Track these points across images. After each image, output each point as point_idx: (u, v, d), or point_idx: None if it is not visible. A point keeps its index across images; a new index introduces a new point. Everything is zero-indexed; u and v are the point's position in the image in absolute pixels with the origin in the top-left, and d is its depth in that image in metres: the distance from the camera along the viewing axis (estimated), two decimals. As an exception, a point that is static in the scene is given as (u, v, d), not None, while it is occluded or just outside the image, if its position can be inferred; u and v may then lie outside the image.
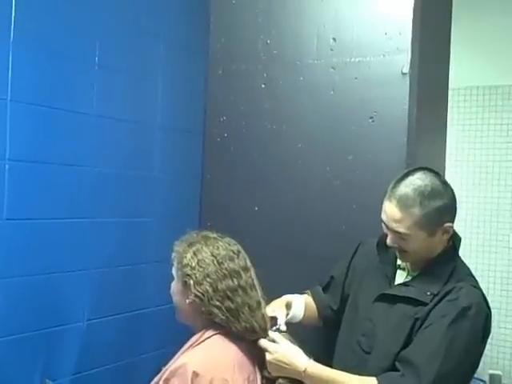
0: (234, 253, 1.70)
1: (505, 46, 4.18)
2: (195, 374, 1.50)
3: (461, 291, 1.72)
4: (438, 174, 1.80)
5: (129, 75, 2.56)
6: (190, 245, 1.69)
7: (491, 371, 3.85)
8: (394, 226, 1.75)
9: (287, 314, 1.95)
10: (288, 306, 1.99)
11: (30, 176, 2.16)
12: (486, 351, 1.80)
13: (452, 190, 1.78)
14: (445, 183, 1.77)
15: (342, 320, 1.99)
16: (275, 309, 1.88)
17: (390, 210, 1.75)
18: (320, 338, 2.13)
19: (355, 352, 1.85)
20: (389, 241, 1.80)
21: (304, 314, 2.04)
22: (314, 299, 2.13)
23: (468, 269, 1.85)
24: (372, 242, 1.99)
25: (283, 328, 1.80)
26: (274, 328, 1.76)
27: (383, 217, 1.79)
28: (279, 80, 2.40)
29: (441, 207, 1.73)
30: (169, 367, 1.57)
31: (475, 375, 1.83)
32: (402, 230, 1.73)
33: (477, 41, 4.22)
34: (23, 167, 2.14)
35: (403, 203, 1.72)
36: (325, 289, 2.14)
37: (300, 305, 2.04)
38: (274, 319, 1.80)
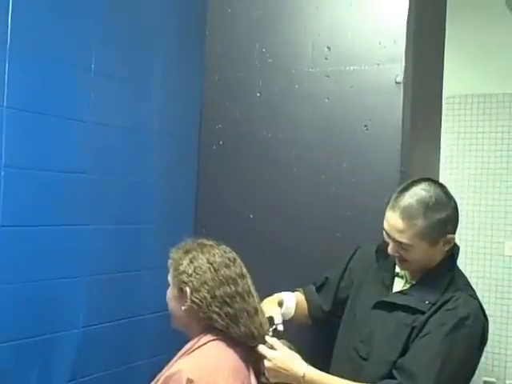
0: (230, 260, 1.70)
1: (499, 54, 4.20)
2: (189, 381, 1.50)
3: (459, 301, 1.73)
4: (442, 185, 1.81)
5: (125, 82, 2.57)
6: (186, 252, 1.70)
7: (486, 378, 3.86)
8: (397, 236, 1.75)
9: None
10: (280, 304, 2.01)
11: (25, 183, 2.16)
12: (481, 358, 1.81)
13: (455, 202, 1.79)
14: (448, 195, 1.78)
15: (340, 326, 2.00)
16: (270, 308, 1.89)
17: (393, 220, 1.75)
18: (316, 344, 2.14)
19: (352, 358, 1.86)
20: (390, 250, 1.81)
21: (295, 312, 2.05)
22: (306, 298, 2.14)
23: (466, 278, 1.87)
24: (370, 248, 2.00)
25: (280, 328, 1.80)
26: (272, 329, 1.77)
27: (385, 226, 1.79)
28: (274, 88, 2.42)
29: (444, 219, 1.74)
30: (164, 373, 1.57)
31: (470, 382, 1.84)
32: (404, 240, 1.74)
33: (471, 49, 4.24)
34: (18, 174, 2.14)
35: (407, 214, 1.73)
36: (318, 289, 2.15)
37: (291, 303, 2.06)
38: (270, 319, 1.80)
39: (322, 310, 2.11)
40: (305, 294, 2.16)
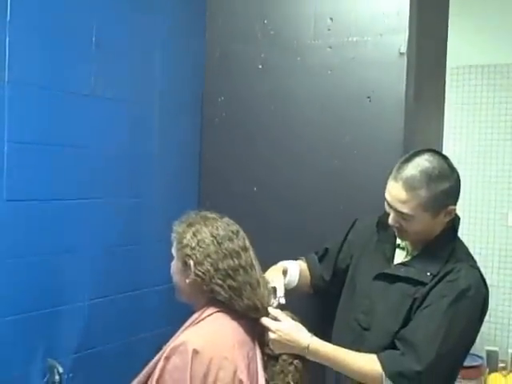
0: (233, 233, 1.71)
1: (504, 24, 4.16)
2: (195, 352, 1.52)
3: (460, 272, 1.74)
4: (445, 156, 1.81)
5: (126, 56, 2.55)
6: (190, 225, 1.71)
7: (488, 347, 3.88)
8: (399, 206, 1.75)
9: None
10: (284, 273, 2.01)
11: (29, 157, 2.16)
12: (484, 328, 1.83)
13: (458, 174, 1.79)
14: (451, 166, 1.78)
15: (341, 296, 2.01)
16: (274, 278, 1.89)
17: (396, 191, 1.75)
18: (317, 314, 2.16)
19: (353, 329, 1.88)
20: (390, 220, 1.81)
21: (298, 281, 2.06)
22: (308, 267, 2.16)
23: (467, 249, 1.87)
24: (370, 219, 2.00)
25: (282, 301, 1.81)
26: (275, 301, 1.78)
27: (387, 196, 1.79)
28: (276, 60, 2.40)
29: (446, 190, 1.74)
30: (169, 345, 1.59)
31: (472, 351, 1.87)
32: (406, 210, 1.74)
33: (475, 19, 4.20)
34: (22, 148, 2.13)
35: (410, 185, 1.73)
36: (319, 259, 2.16)
37: (295, 272, 2.07)
38: (273, 290, 1.81)
39: (323, 279, 2.13)
40: (307, 263, 2.17)
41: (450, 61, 2.76)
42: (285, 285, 1.94)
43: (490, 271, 4.10)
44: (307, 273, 2.15)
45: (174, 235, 1.73)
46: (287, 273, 2.03)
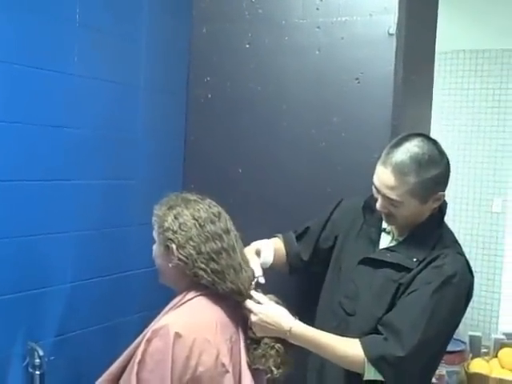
0: (214, 215, 1.68)
1: (492, 9, 4.15)
2: (177, 335, 1.50)
3: (446, 259, 1.73)
4: (435, 141, 1.78)
5: (111, 34, 2.51)
6: (170, 208, 1.67)
7: (471, 333, 3.90)
8: (387, 192, 1.73)
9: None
10: (257, 254, 1.97)
11: (9, 137, 2.13)
12: (467, 313, 1.84)
13: (447, 159, 1.77)
14: (441, 151, 1.76)
15: (325, 280, 1.99)
16: (249, 260, 1.84)
17: (384, 176, 1.73)
18: (301, 298, 2.14)
19: (337, 313, 1.87)
20: (378, 206, 1.79)
21: (273, 260, 2.02)
22: (284, 245, 2.11)
23: (453, 235, 1.86)
24: (355, 201, 1.98)
25: (262, 280, 1.79)
26: (253, 282, 1.75)
27: (375, 181, 1.77)
28: (264, 40, 2.36)
29: (436, 176, 1.72)
30: (151, 328, 1.56)
31: (456, 336, 1.87)
32: (394, 196, 1.72)
33: (464, 4, 4.18)
34: (2, 127, 2.10)
35: (399, 171, 1.70)
36: (298, 238, 2.11)
37: (269, 251, 2.02)
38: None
39: (300, 258, 2.09)
40: (284, 241, 2.12)
41: (437, 46, 2.73)
42: (260, 264, 1.90)
43: (474, 257, 4.12)
44: (283, 251, 2.10)
45: (154, 219, 1.70)
46: (261, 253, 1.99)
